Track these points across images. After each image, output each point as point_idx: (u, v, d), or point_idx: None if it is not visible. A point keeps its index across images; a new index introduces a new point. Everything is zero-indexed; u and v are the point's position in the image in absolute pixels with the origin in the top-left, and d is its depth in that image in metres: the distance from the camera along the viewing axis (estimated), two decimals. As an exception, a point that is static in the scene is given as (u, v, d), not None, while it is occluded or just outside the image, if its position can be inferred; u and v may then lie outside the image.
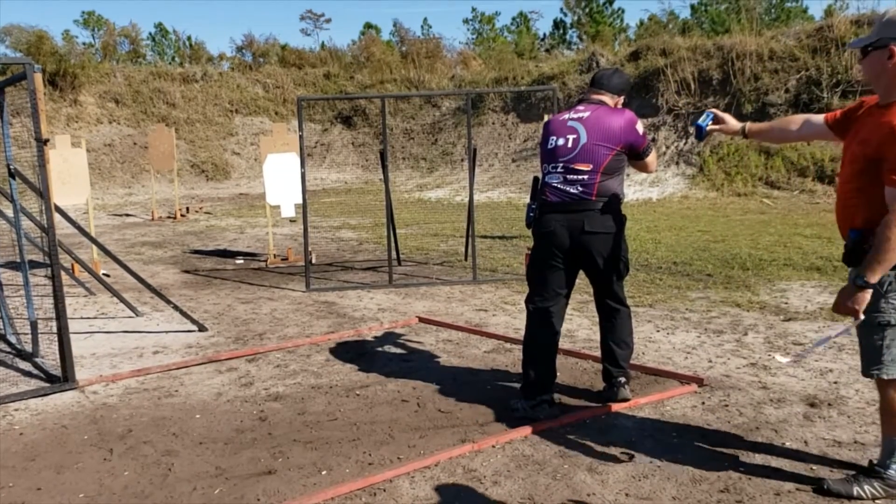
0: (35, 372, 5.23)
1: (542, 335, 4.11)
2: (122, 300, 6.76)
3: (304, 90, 25.87)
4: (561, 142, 4.02)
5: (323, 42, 33.99)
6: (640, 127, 4.09)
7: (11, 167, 5.82)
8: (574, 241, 4.00)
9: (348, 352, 5.44)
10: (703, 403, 4.17)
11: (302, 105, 7.94)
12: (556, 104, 8.09)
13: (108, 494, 3.36)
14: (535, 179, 4.23)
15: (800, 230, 10.26)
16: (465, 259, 8.66)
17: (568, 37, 35.07)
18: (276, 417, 4.18)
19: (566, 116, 4.08)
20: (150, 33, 35.86)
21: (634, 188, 15.45)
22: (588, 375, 4.71)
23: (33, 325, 5.64)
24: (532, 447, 3.65)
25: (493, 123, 21.24)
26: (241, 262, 9.69)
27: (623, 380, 4.18)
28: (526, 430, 3.82)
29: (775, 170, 14.26)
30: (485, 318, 6.26)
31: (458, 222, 12.32)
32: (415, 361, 5.15)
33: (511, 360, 5.08)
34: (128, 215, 16.13)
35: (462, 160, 20.75)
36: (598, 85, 4.18)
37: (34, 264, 6.51)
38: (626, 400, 4.15)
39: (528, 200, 4.24)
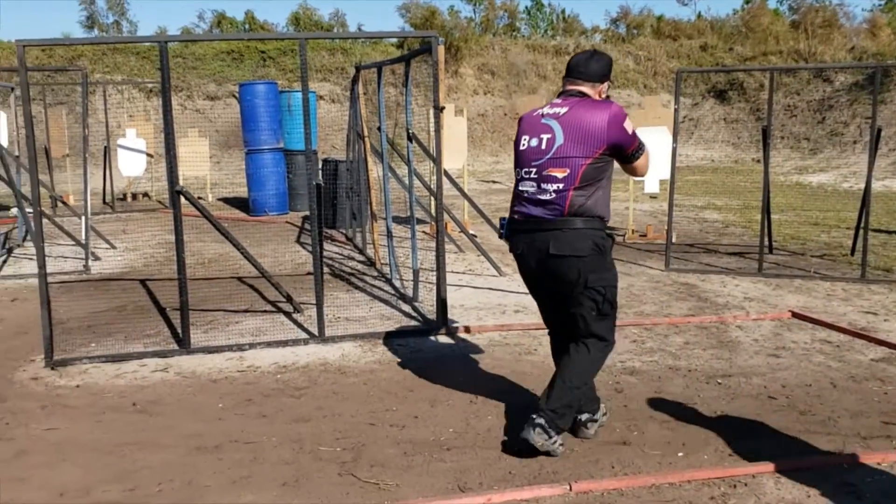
0: (413, 314, 5.86)
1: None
2: (489, 259, 7.25)
3: (677, 62, 25.05)
4: (534, 142, 3.33)
5: (699, 12, 32.27)
6: (628, 124, 3.26)
7: (410, 131, 6.54)
8: (540, 266, 3.34)
9: (709, 338, 5.18)
10: None
11: (681, 77, 7.66)
12: None
13: (472, 434, 3.63)
14: None
15: None
16: (852, 254, 7.69)
17: None
18: (632, 392, 4.15)
19: (540, 112, 3.39)
20: (525, 7, 37.50)
21: None
22: None
23: (415, 274, 6.31)
24: (931, 477, 3.12)
25: (901, 102, 18.45)
26: (601, 234, 9.75)
27: (541, 421, 3.29)
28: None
29: None
30: (873, 322, 5.49)
31: (845, 212, 11.00)
32: (785, 358, 4.71)
33: (906, 372, 4.40)
34: (494, 182, 17.23)
35: (854, 142, 18.43)
36: (575, 73, 3.41)
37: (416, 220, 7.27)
38: (527, 443, 3.27)
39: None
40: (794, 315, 5.66)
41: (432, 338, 5.24)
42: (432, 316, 5.54)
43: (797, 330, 5.33)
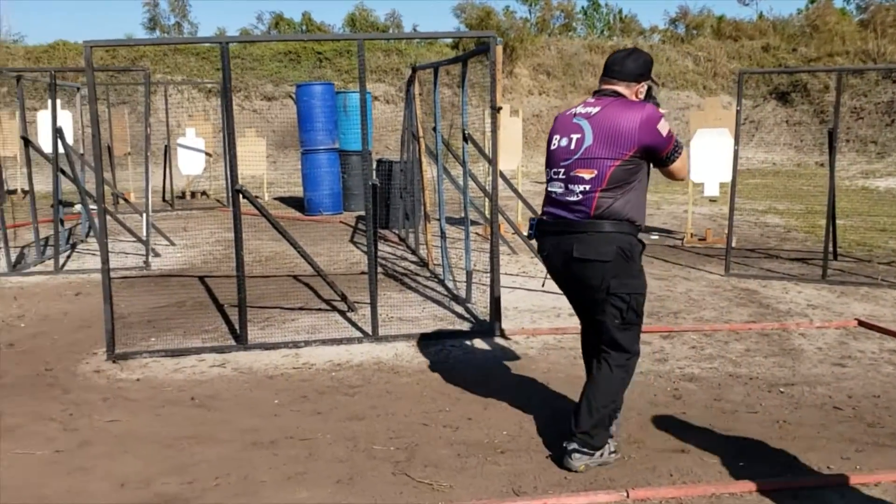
0: (466, 315, 5.84)
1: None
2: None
3: (737, 63, 24.48)
4: (564, 142, 3.23)
5: (761, 12, 31.47)
6: (663, 126, 3.07)
7: (466, 132, 6.52)
8: (566, 269, 3.24)
9: (771, 345, 5.03)
10: None
11: (743, 78, 7.49)
12: None
13: (526, 437, 3.59)
14: None
15: None
16: (922, 260, 7.40)
17: None
18: (691, 399, 4.05)
19: (573, 111, 3.29)
20: (582, 7, 37.00)
21: None
22: None
23: (468, 275, 6.29)
24: None
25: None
26: (656, 237, 9.60)
27: (574, 445, 3.23)
28: None
29: None
30: (945, 332, 5.27)
31: (914, 218, 10.64)
32: (851, 368, 4.55)
33: (982, 386, 4.20)
34: (550, 183, 17.06)
35: (923, 146, 17.78)
36: (610, 72, 3.28)
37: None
38: (570, 470, 3.22)
39: None
40: (861, 323, 5.46)
41: (485, 339, 5.21)
42: (485, 318, 5.51)
43: (864, 339, 5.14)
